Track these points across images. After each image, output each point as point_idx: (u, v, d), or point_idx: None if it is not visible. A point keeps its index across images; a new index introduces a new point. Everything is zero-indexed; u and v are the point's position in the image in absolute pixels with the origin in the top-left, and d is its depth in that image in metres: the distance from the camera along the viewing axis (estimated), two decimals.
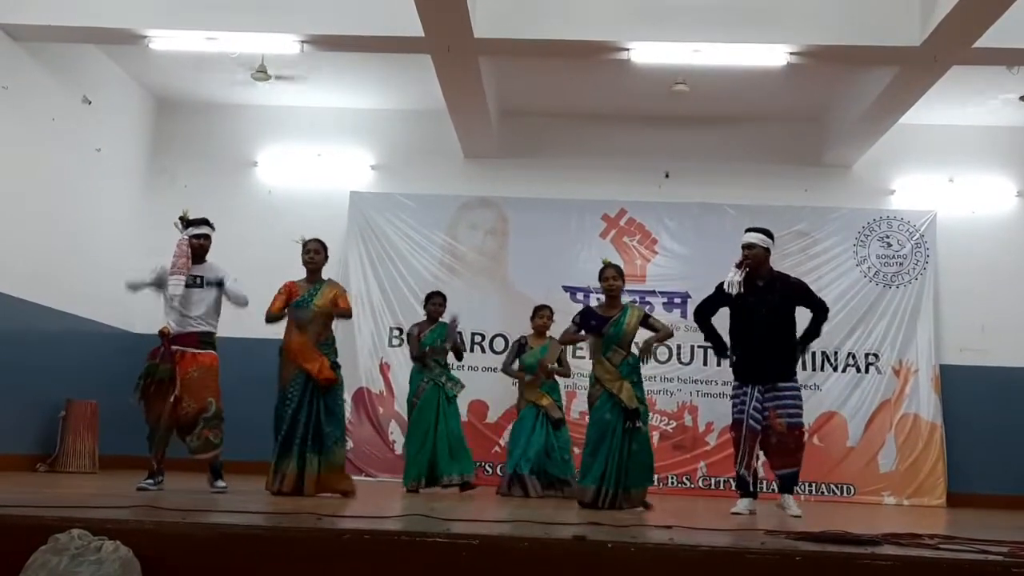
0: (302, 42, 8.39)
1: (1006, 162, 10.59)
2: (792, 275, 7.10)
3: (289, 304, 6.59)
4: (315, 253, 6.71)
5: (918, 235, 10.40)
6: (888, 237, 10.43)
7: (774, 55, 8.31)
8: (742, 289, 6.48)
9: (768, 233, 6.69)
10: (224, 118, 10.95)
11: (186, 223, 6.56)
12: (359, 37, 8.27)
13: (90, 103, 9.45)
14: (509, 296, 10.30)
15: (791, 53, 8.24)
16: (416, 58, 8.67)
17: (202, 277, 6.45)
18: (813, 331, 6.67)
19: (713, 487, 9.90)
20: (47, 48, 8.75)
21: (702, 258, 10.10)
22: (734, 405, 6.52)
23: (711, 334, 6.79)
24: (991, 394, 10.02)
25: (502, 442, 9.80)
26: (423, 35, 7.89)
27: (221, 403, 6.35)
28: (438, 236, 10.58)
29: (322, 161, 10.82)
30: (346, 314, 6.83)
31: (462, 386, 8.25)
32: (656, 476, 9.77)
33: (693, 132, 10.71)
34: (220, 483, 6.33)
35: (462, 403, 9.82)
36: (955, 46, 7.81)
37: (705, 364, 10.19)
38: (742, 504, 6.34)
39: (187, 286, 6.36)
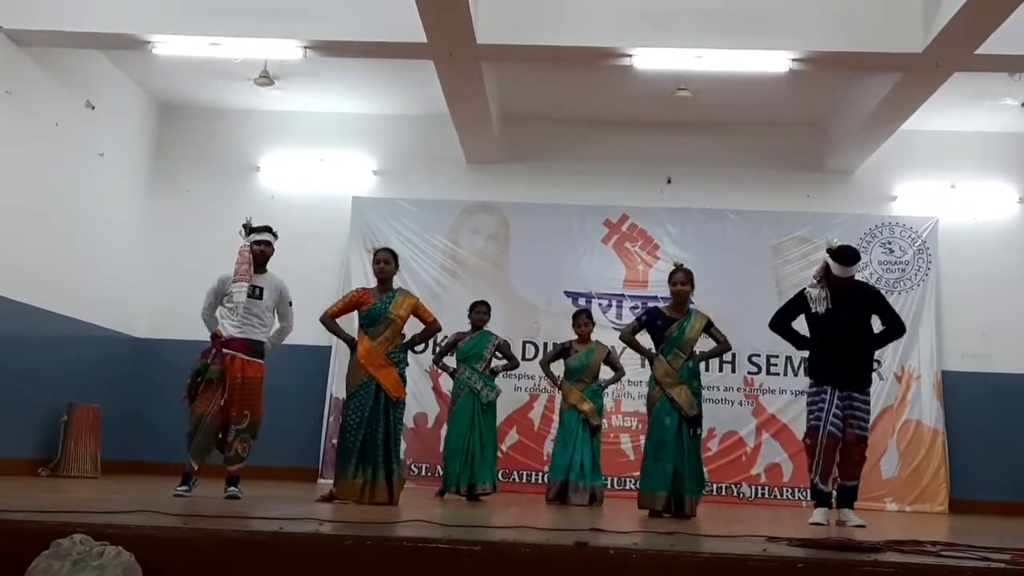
0: (305, 48, 8.41)
1: (1008, 168, 10.60)
2: (870, 284, 7.07)
3: (359, 312, 6.63)
4: (385, 263, 6.71)
5: (920, 241, 10.40)
6: (890, 243, 10.43)
7: (776, 61, 8.32)
8: (830, 304, 6.39)
9: (859, 258, 6.61)
10: (227, 123, 10.98)
11: (248, 230, 6.53)
12: (362, 43, 8.30)
13: (93, 108, 9.47)
14: (511, 301, 10.30)
15: (793, 59, 8.25)
16: (418, 63, 8.68)
17: (261, 288, 6.43)
18: (880, 343, 6.69)
19: (715, 493, 9.88)
20: (51, 53, 8.76)
21: (704, 264, 10.05)
22: (811, 412, 6.39)
23: (791, 335, 6.72)
24: (993, 400, 10.02)
25: (505, 447, 9.81)
26: (426, 41, 7.91)
27: (259, 416, 6.33)
28: (440, 241, 10.59)
29: (324, 166, 10.84)
30: (434, 327, 6.85)
31: (497, 392, 8.24)
32: None
33: (695, 138, 10.72)
34: (232, 489, 6.28)
35: None
36: (957, 53, 7.82)
37: (707, 370, 10.15)
38: (819, 514, 6.23)
39: (248, 296, 6.34)
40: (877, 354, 10.05)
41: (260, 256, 6.48)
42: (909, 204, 10.60)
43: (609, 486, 9.12)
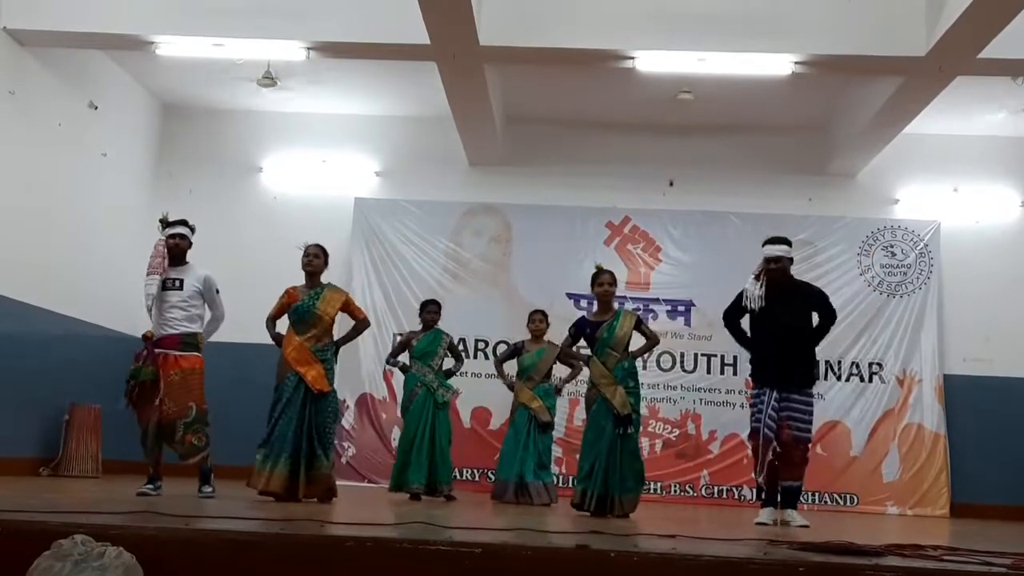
0: (308, 49, 8.42)
1: (1010, 172, 10.59)
2: (811, 283, 7.10)
3: (287, 308, 6.64)
4: (314, 257, 6.74)
5: (922, 244, 10.39)
6: (892, 246, 10.42)
7: (779, 64, 8.33)
8: (764, 303, 6.47)
9: (789, 243, 6.69)
10: (230, 124, 10.99)
11: (164, 224, 6.51)
12: (365, 44, 8.30)
13: (96, 108, 9.48)
14: (513, 303, 10.30)
15: (796, 63, 8.26)
16: (421, 65, 8.68)
17: (181, 280, 6.37)
18: (817, 338, 6.67)
19: (716, 496, 9.89)
20: (54, 53, 8.78)
21: (706, 266, 10.13)
22: (752, 414, 6.48)
23: (743, 339, 6.79)
24: (995, 404, 10.01)
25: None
26: (429, 42, 7.92)
27: (205, 406, 6.26)
28: (442, 243, 10.60)
29: (327, 167, 10.85)
30: (364, 324, 6.95)
31: (454, 392, 8.27)
32: (659, 484, 9.92)
33: (697, 141, 10.72)
34: (207, 488, 6.26)
35: (465, 409, 9.87)
36: (960, 57, 7.82)
37: (708, 372, 10.21)
38: (765, 514, 6.29)
39: (164, 288, 6.30)
40: (879, 357, 10.18)
41: (175, 249, 6.41)
42: (911, 207, 10.60)
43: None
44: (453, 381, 8.36)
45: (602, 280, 6.70)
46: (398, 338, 8.65)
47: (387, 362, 8.76)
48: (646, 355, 6.75)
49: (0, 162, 8.15)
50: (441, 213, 10.65)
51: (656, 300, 10.44)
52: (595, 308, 7.06)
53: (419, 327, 8.37)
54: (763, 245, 6.65)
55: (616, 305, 6.90)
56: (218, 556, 3.28)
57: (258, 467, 6.32)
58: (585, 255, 10.48)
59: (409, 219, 10.63)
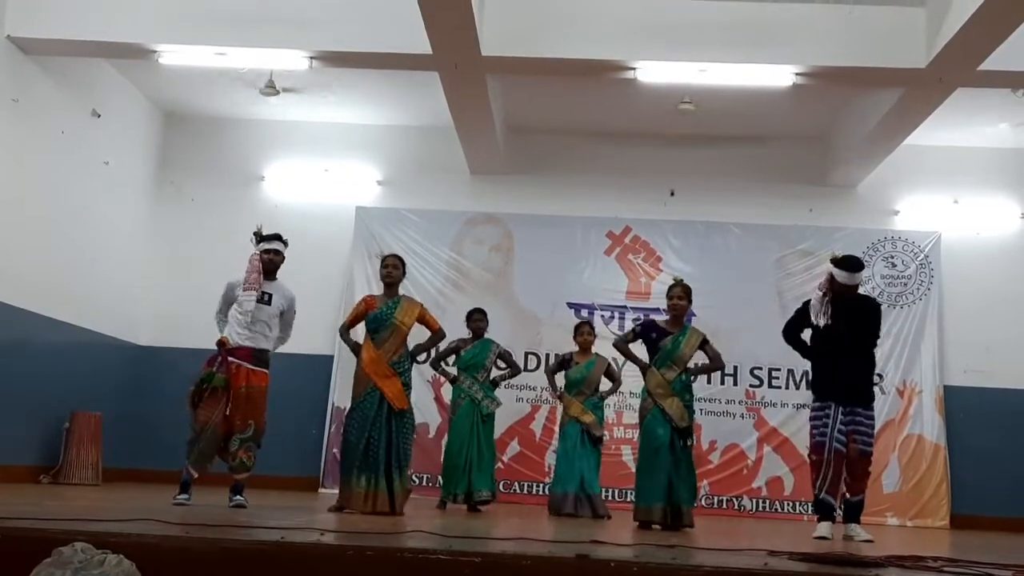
0: (311, 58, 8.43)
1: (1010, 184, 10.60)
2: (871, 297, 7.06)
3: (365, 318, 6.64)
4: (392, 268, 6.72)
5: (922, 256, 10.40)
6: (892, 257, 10.43)
7: (780, 75, 8.35)
8: (831, 319, 6.39)
9: (863, 267, 6.61)
10: (232, 132, 11.01)
11: (259, 238, 6.54)
12: (367, 54, 8.32)
13: (99, 116, 9.50)
14: (514, 312, 10.31)
15: (797, 73, 8.27)
16: (423, 75, 8.71)
17: (270, 295, 6.43)
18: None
19: (716, 506, 9.87)
20: (57, 62, 8.80)
21: (707, 277, 10.12)
22: (816, 427, 6.38)
23: (800, 346, 6.74)
24: (995, 416, 9.99)
25: (505, 458, 9.81)
26: (431, 52, 7.93)
27: (263, 426, 6.31)
28: (444, 252, 10.61)
29: (329, 176, 10.86)
30: (440, 335, 6.93)
31: (498, 403, 8.16)
32: None
33: (698, 151, 10.74)
34: (238, 497, 6.26)
35: None
36: (960, 68, 7.83)
37: (708, 383, 10.18)
38: (823, 528, 6.21)
39: (257, 301, 6.33)
40: (879, 368, 10.04)
41: (269, 264, 6.49)
42: (912, 218, 10.61)
43: (610, 498, 9.12)
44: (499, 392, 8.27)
45: (672, 293, 6.72)
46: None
47: (432, 366, 8.54)
48: (702, 375, 6.82)
49: (2, 170, 8.16)
50: (442, 222, 10.67)
51: (657, 310, 10.39)
52: (666, 318, 6.95)
53: (468, 335, 8.23)
54: (835, 265, 6.40)
55: (686, 321, 6.85)
56: (218, 565, 3.28)
57: (355, 487, 6.30)
58: (586, 264, 10.51)
59: (410, 228, 10.63)
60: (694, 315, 10.14)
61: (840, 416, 6.28)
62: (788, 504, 9.79)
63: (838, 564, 3.51)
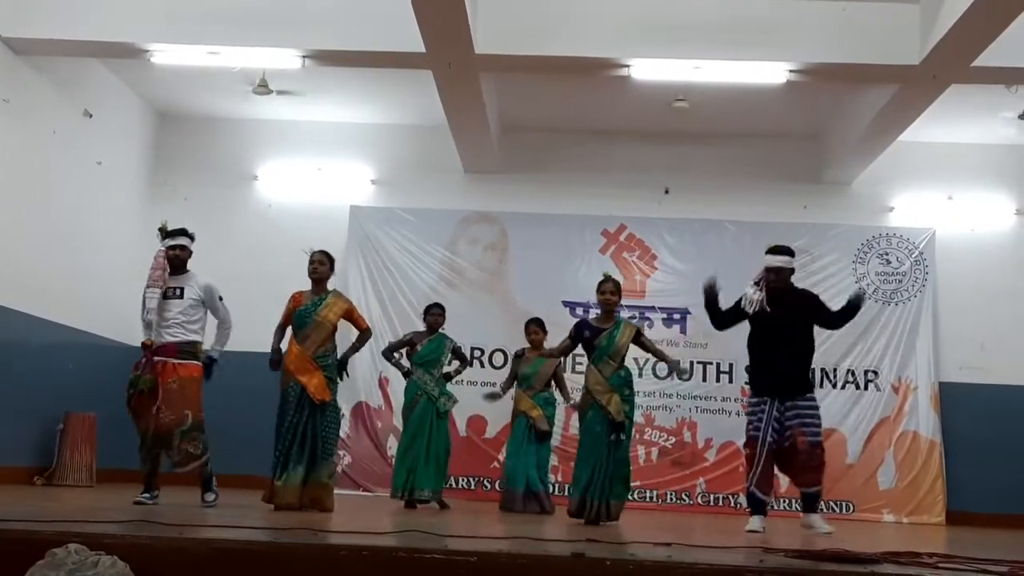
0: (304, 57, 8.41)
1: (1005, 180, 10.62)
2: (807, 290, 7.06)
3: (292, 314, 6.63)
4: (319, 264, 6.73)
5: (917, 252, 10.41)
6: (887, 254, 10.44)
7: (774, 72, 8.34)
8: (762, 309, 6.45)
9: (792, 253, 6.66)
10: (225, 132, 10.98)
11: (164, 234, 6.51)
12: (361, 52, 8.30)
13: (91, 116, 9.47)
14: (509, 311, 10.29)
15: (791, 71, 8.27)
16: (417, 73, 8.69)
17: (181, 288, 6.40)
18: (841, 320, 6.74)
19: (712, 504, 9.88)
20: (49, 61, 8.77)
21: (701, 274, 9.89)
22: (750, 422, 6.44)
23: (716, 313, 6.79)
24: (990, 412, 10.01)
25: (500, 457, 9.79)
26: (424, 51, 7.92)
27: (201, 414, 6.27)
28: (438, 251, 10.60)
29: (322, 175, 10.84)
30: (367, 334, 6.94)
31: (455, 401, 8.18)
32: (655, 492, 9.92)
33: (693, 148, 10.74)
34: (209, 496, 6.28)
35: (460, 417, 9.84)
36: (954, 65, 7.84)
37: (704, 380, 10.21)
38: (755, 521, 6.27)
39: (164, 297, 6.32)
40: (874, 365, 10.19)
41: (176, 260, 6.45)
42: (906, 215, 10.62)
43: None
44: (451, 387, 8.26)
45: (604, 288, 6.71)
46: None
47: (384, 355, 8.33)
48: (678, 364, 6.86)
49: None
50: (437, 221, 10.65)
51: (652, 308, 10.44)
52: (597, 314, 7.03)
53: (423, 329, 8.25)
54: (765, 253, 6.59)
55: (617, 315, 6.88)
56: (212, 565, 3.27)
57: (275, 480, 6.33)
58: (581, 263, 10.50)
59: (405, 227, 10.62)
60: (690, 313, 10.23)
61: (778, 411, 6.30)
62: (783, 501, 9.79)
63: (833, 561, 3.51)
